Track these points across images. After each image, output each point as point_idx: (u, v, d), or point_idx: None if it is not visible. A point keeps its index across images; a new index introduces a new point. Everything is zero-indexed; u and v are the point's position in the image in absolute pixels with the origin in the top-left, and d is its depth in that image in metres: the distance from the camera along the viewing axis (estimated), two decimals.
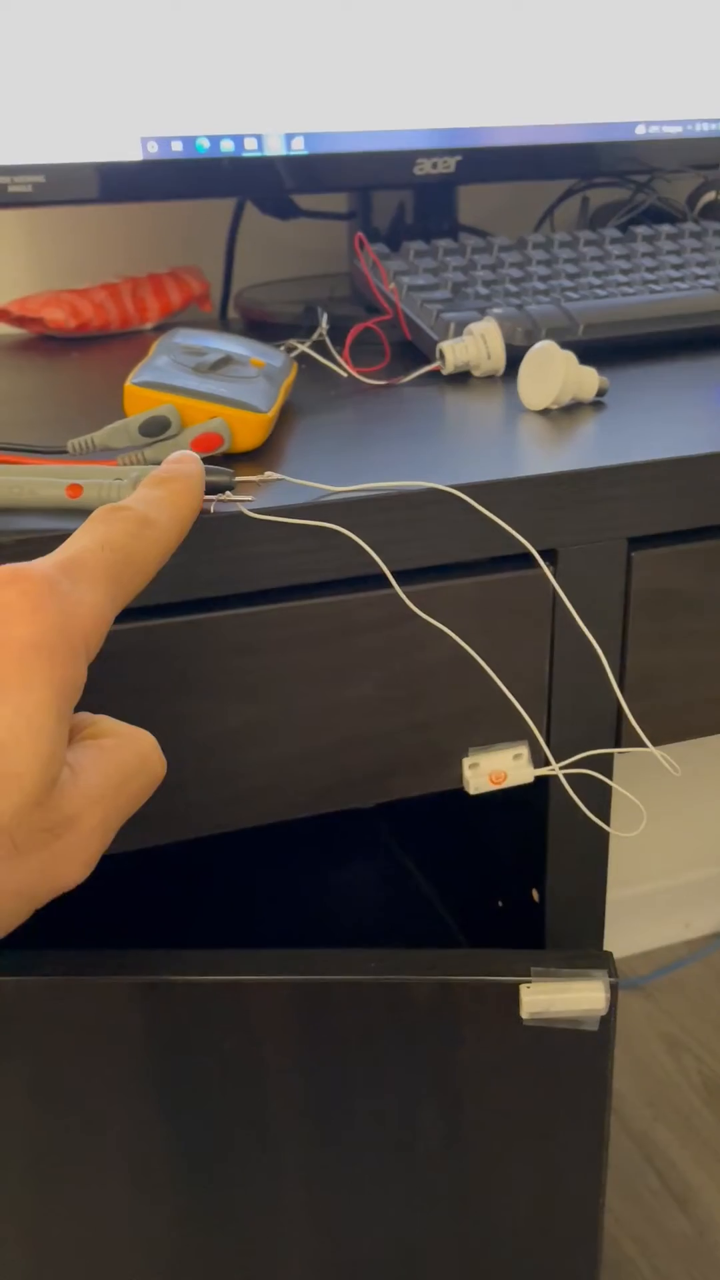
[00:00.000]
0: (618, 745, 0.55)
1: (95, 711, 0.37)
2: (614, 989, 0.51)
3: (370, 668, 0.50)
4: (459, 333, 0.66)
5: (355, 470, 0.49)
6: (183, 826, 0.50)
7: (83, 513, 0.43)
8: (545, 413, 0.57)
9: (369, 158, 0.77)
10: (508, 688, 0.51)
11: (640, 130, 0.83)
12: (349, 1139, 0.55)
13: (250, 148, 0.74)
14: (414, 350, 0.69)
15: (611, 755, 0.55)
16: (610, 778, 0.54)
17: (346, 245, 0.88)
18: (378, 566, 0.47)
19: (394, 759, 0.52)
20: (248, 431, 0.51)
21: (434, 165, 0.78)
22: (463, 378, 0.65)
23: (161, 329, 0.83)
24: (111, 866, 0.36)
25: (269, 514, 0.45)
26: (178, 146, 0.73)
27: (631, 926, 1.42)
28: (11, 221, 0.90)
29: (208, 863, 0.80)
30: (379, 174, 0.78)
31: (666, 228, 0.80)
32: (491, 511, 0.48)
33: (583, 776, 0.54)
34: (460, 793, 0.53)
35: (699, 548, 0.53)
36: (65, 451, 0.49)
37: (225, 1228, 0.57)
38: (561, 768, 0.53)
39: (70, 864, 0.33)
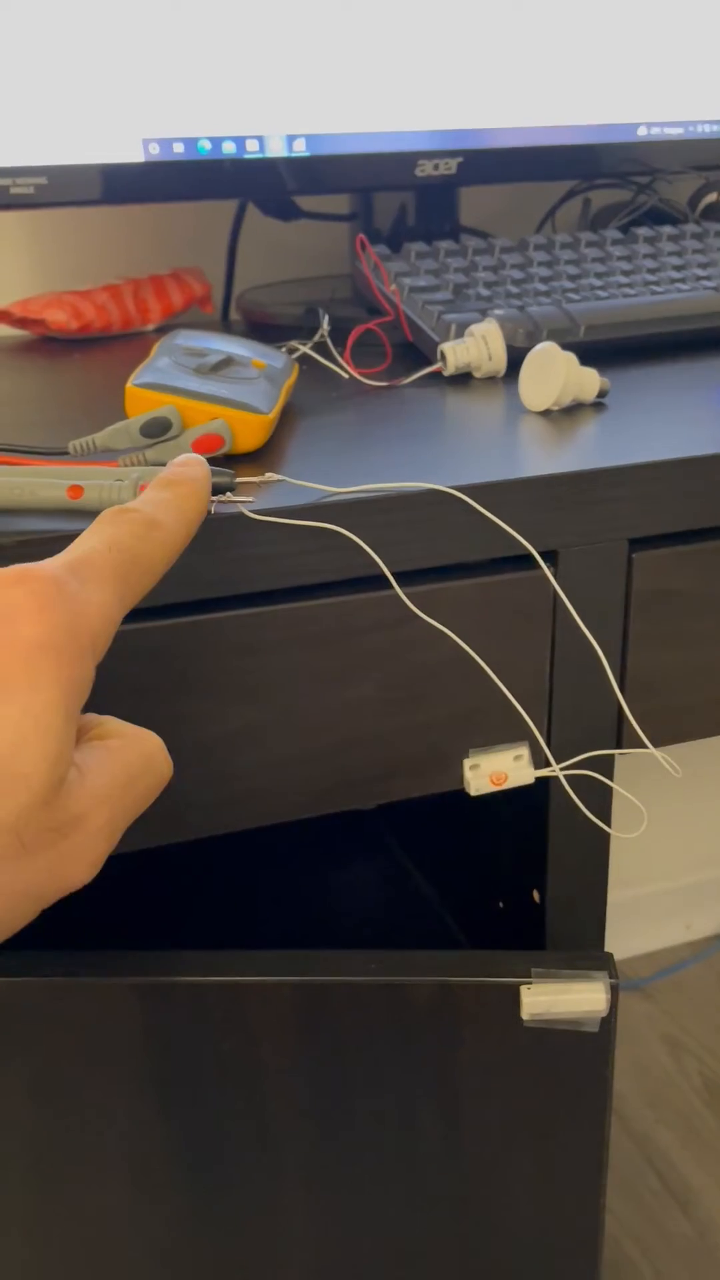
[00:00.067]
0: (618, 746, 0.55)
1: (96, 712, 0.37)
2: (615, 990, 0.51)
3: (371, 669, 0.50)
4: (460, 334, 0.66)
5: (356, 471, 0.49)
6: (183, 827, 0.50)
7: (84, 514, 0.43)
8: (546, 414, 0.57)
9: (370, 159, 0.77)
10: (508, 689, 0.51)
11: (642, 131, 0.83)
12: (349, 1139, 0.55)
13: (252, 149, 0.74)
14: (415, 351, 0.69)
15: (612, 756, 0.55)
16: (611, 779, 0.54)
17: (348, 247, 0.88)
18: (378, 567, 0.47)
19: (394, 760, 0.52)
20: (249, 433, 0.51)
21: (435, 167, 0.78)
22: (464, 379, 0.65)
23: (163, 330, 0.83)
24: (112, 867, 0.36)
25: (270, 515, 0.45)
26: (179, 148, 0.73)
27: (632, 928, 1.42)
28: (14, 223, 0.90)
29: (207, 863, 0.80)
30: (380, 175, 0.78)
31: (668, 229, 0.80)
32: (492, 512, 0.48)
33: (583, 777, 0.54)
34: (461, 794, 0.53)
35: (700, 549, 0.53)
36: (66, 452, 0.49)
37: (225, 1228, 0.57)
38: (562, 769, 0.53)
39: (77, 864, 0.33)
